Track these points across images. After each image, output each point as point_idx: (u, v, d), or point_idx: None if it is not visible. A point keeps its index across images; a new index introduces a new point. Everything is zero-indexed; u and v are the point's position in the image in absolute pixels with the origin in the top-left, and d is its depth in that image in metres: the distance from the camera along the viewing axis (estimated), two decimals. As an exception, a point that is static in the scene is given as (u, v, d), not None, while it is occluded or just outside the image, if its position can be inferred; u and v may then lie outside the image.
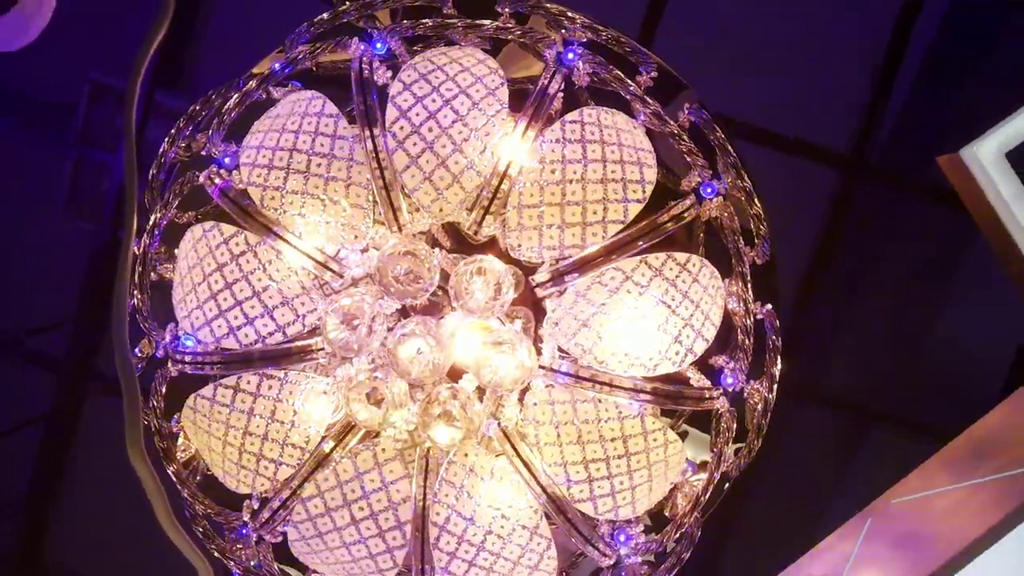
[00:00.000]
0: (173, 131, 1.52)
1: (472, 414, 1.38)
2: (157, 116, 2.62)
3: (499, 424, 1.42)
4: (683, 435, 1.50)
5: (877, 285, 2.55)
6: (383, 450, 1.45)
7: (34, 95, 2.69)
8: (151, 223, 1.52)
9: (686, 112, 1.48)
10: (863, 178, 2.40)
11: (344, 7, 1.49)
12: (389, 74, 1.45)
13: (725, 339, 1.48)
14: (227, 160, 1.47)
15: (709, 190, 1.45)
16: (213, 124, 1.49)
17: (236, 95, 1.49)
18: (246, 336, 1.43)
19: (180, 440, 1.53)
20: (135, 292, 1.51)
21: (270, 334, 1.43)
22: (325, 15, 1.50)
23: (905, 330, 2.57)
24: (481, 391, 1.43)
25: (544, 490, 1.41)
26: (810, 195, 2.38)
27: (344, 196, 1.40)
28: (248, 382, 1.44)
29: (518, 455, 1.41)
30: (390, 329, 1.39)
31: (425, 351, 1.36)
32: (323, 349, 1.42)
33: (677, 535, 1.49)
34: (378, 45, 1.45)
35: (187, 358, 1.47)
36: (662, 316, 1.39)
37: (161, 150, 1.51)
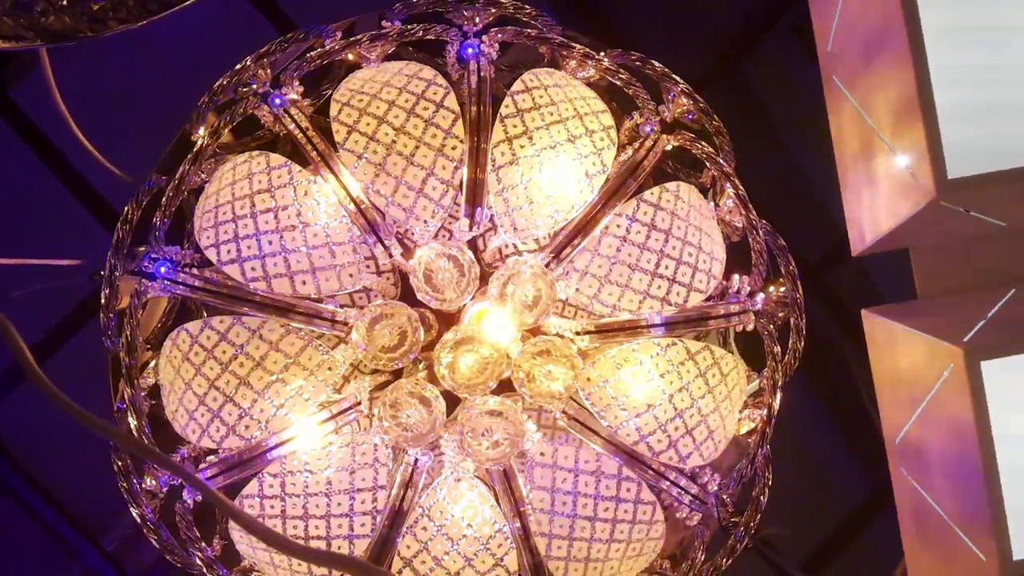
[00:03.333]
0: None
1: (555, 346, 1.34)
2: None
3: (577, 332, 1.37)
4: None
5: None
6: (541, 454, 1.38)
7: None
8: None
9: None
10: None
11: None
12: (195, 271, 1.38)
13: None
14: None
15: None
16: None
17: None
18: (363, 527, 1.35)
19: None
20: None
21: (374, 502, 1.35)
22: (105, 293, 1.39)
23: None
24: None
25: (657, 325, 1.38)
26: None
27: (283, 356, 1.33)
28: (408, 547, 1.36)
29: (614, 330, 1.38)
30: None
31: (475, 355, 1.32)
32: (417, 459, 1.36)
33: (762, 236, 1.47)
34: (163, 271, 1.38)
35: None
36: (562, 132, 1.38)
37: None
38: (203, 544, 1.40)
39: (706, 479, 1.45)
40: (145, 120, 1.95)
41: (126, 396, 1.38)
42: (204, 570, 1.40)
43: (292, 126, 1.39)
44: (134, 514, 1.40)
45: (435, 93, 1.37)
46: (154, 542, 1.41)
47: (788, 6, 2.12)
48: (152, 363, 1.42)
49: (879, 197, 1.66)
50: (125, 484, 1.39)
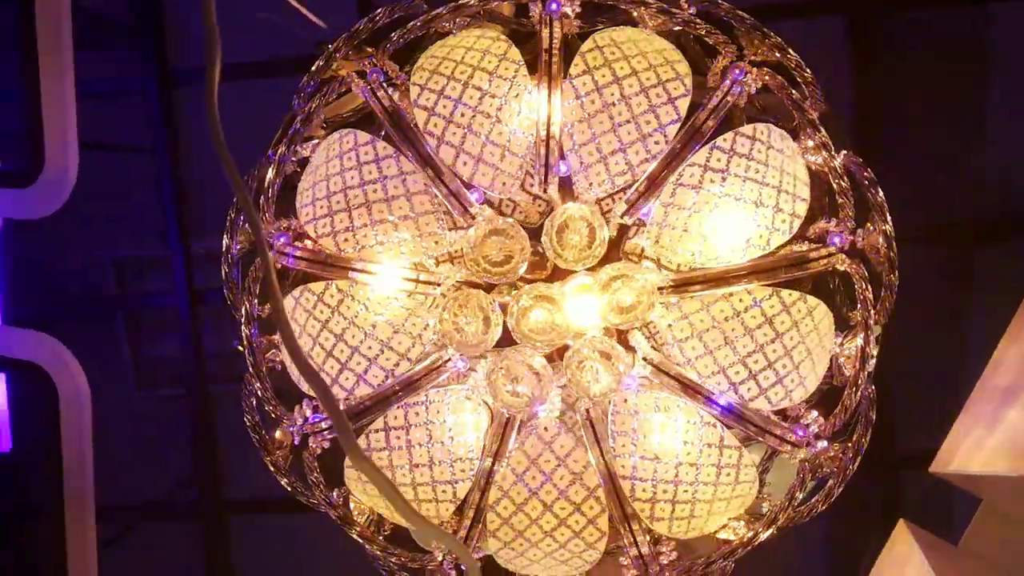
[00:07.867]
0: (228, 226, 1.52)
1: (617, 355, 1.36)
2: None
3: (644, 358, 1.39)
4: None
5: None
6: (545, 429, 1.42)
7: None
8: (244, 317, 1.50)
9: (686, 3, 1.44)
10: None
11: (328, 47, 1.49)
12: (396, 93, 1.45)
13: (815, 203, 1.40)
14: (282, 240, 1.46)
15: (737, 71, 1.39)
16: (261, 206, 1.48)
17: (271, 169, 1.48)
18: (374, 377, 1.43)
19: (352, 506, 1.52)
20: (256, 383, 1.51)
21: (395, 365, 1.42)
22: (320, 61, 1.49)
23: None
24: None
25: (713, 402, 1.37)
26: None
27: (410, 208, 1.40)
28: (395, 417, 1.43)
29: (676, 380, 1.37)
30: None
31: (547, 315, 1.35)
32: (451, 359, 1.42)
33: (858, 397, 1.39)
34: (373, 76, 1.45)
35: (323, 425, 1.47)
36: (754, 192, 1.35)
37: (225, 247, 1.52)
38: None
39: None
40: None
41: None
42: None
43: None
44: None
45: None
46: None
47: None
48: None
49: (991, 439, 1.58)
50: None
